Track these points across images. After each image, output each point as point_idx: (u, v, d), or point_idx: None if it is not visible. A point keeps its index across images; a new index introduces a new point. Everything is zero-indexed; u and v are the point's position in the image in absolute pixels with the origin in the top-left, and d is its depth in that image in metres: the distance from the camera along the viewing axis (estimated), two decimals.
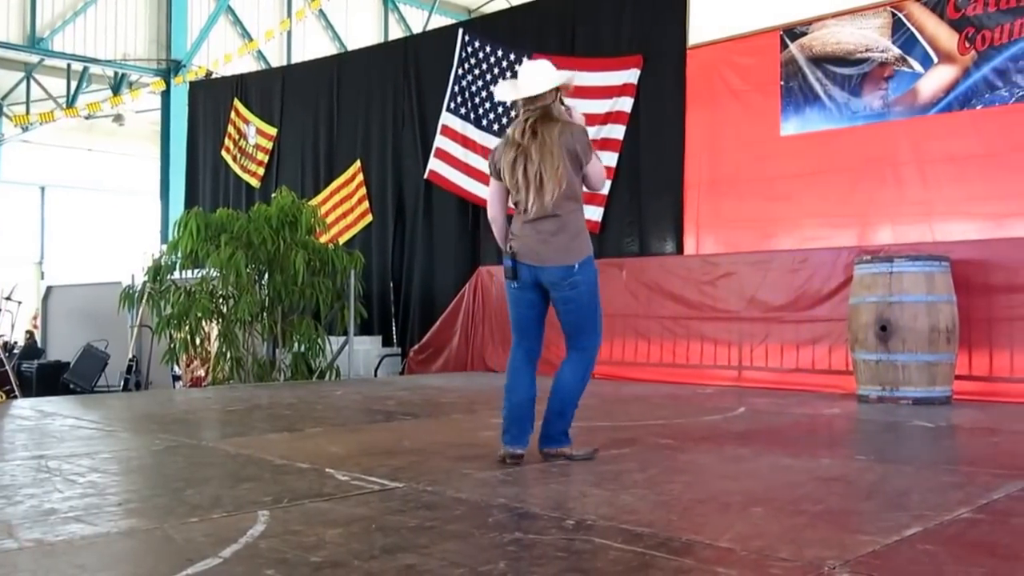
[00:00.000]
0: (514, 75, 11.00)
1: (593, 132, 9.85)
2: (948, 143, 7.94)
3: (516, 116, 4.33)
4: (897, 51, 8.25)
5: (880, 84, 8.37)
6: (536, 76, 4.26)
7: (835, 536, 2.91)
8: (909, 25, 8.18)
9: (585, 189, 4.35)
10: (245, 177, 14.64)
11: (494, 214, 4.40)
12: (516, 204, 4.26)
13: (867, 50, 8.44)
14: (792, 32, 8.92)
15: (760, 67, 9.11)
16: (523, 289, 4.25)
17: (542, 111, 4.23)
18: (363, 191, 12.79)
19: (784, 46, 8.95)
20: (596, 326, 4.30)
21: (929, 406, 6.60)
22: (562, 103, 4.34)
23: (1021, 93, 7.60)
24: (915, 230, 8.03)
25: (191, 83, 17.43)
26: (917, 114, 8.17)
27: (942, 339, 6.77)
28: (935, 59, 8.04)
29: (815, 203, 8.70)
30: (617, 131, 9.95)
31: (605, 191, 4.29)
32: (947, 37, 7.97)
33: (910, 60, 8.17)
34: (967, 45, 7.85)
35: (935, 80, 8.05)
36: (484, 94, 11.29)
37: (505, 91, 4.45)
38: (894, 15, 8.27)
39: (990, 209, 7.70)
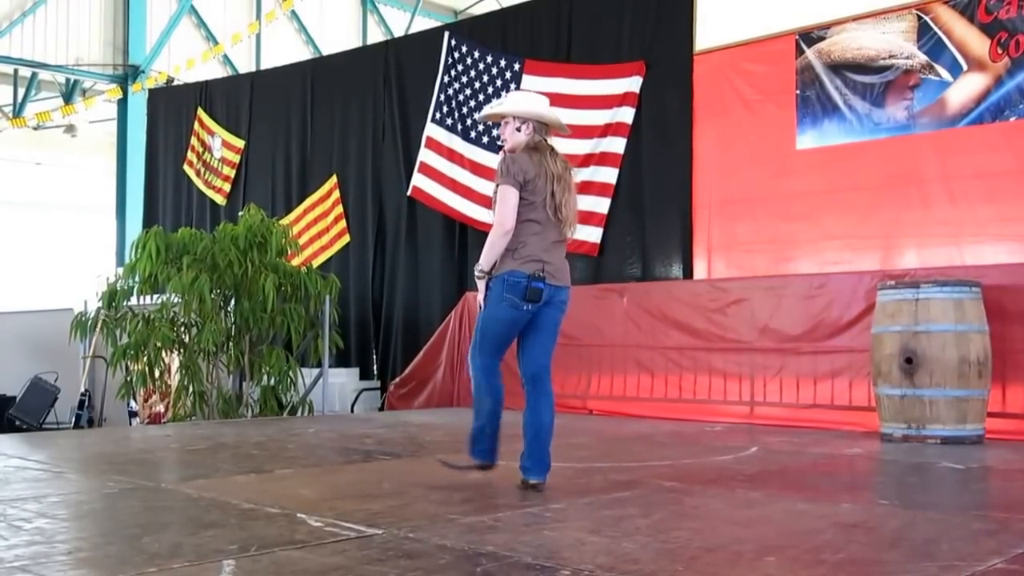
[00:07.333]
0: (505, 83, 11.16)
1: (591, 145, 9.92)
2: (979, 158, 8.00)
3: (525, 132, 4.74)
4: (923, 58, 8.33)
5: (905, 94, 8.44)
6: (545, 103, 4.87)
7: None
8: (936, 29, 8.26)
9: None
10: (210, 194, 14.66)
11: (512, 227, 4.61)
12: (543, 224, 4.63)
13: (891, 56, 8.52)
14: (809, 36, 9.00)
15: (774, 75, 9.18)
16: (530, 312, 4.63)
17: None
18: (339, 209, 12.82)
19: (800, 52, 9.03)
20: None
21: (959, 446, 6.62)
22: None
23: None
24: (943, 253, 8.08)
25: (150, 90, 17.47)
26: (945, 126, 8.23)
27: (973, 372, 6.80)
28: (965, 66, 8.12)
29: (834, 223, 8.75)
30: (617, 144, 9.97)
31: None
32: (978, 42, 8.05)
33: (937, 67, 8.25)
34: (1000, 51, 7.93)
35: (965, 89, 8.12)
36: (472, 103, 11.34)
37: (540, 104, 4.85)
38: (920, 18, 8.36)
39: None
